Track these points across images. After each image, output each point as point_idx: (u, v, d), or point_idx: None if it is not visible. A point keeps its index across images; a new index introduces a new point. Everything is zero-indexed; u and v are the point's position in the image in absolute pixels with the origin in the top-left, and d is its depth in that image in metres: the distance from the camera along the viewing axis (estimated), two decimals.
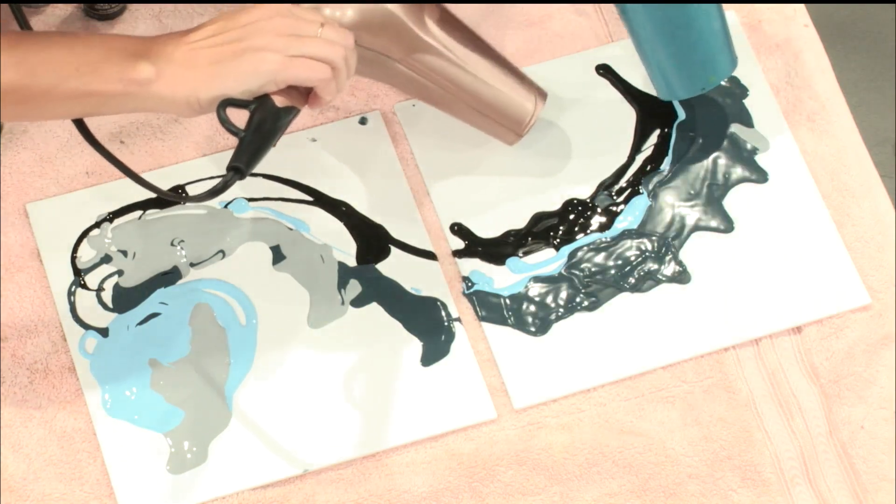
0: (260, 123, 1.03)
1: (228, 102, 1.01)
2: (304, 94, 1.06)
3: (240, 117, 1.03)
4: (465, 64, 1.19)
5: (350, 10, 1.12)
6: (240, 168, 1.03)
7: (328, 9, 1.12)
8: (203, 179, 1.25)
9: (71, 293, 1.21)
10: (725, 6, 1.31)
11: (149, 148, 1.26)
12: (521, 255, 1.24)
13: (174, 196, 1.12)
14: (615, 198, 1.26)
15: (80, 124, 1.07)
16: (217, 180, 1.24)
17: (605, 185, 1.27)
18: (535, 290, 1.23)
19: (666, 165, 1.27)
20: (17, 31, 1.03)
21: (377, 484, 1.18)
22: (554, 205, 1.26)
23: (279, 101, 1.03)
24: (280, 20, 1.03)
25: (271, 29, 1.02)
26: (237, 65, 1.01)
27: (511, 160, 1.26)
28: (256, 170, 1.25)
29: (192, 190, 1.25)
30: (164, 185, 1.24)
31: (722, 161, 1.27)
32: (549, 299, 1.23)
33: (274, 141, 1.04)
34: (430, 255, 1.24)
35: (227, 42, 1.02)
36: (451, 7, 1.21)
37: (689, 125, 1.28)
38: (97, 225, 1.24)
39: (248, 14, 1.03)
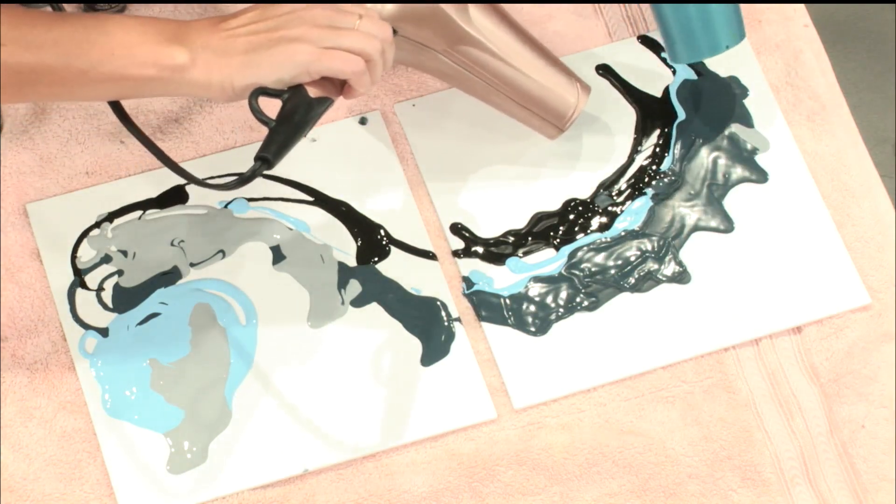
0: (291, 114, 1.02)
1: (261, 91, 1.01)
2: (339, 85, 1.05)
3: (274, 107, 1.03)
4: (509, 57, 1.18)
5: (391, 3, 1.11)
6: (267, 158, 1.02)
7: None
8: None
9: (71, 293, 1.21)
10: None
11: None
12: (521, 255, 1.24)
13: (202, 182, 1.07)
14: (615, 198, 1.26)
15: (116, 106, 1.06)
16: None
17: (605, 185, 1.27)
18: (535, 290, 1.23)
19: (666, 165, 1.27)
20: (53, 12, 1.02)
21: (377, 484, 1.18)
22: (554, 205, 1.26)
23: (313, 92, 1.03)
24: (318, 11, 1.02)
25: (308, 19, 1.02)
26: (271, 54, 1.00)
27: (511, 160, 1.26)
28: None
29: (192, 190, 1.25)
30: (164, 185, 1.25)
31: (722, 161, 1.27)
32: (549, 299, 1.23)
33: (304, 132, 1.04)
34: (430, 255, 1.24)
35: (263, 31, 1.01)
36: None
37: (689, 125, 1.28)
38: (97, 225, 1.24)
39: (288, 3, 1.03)
